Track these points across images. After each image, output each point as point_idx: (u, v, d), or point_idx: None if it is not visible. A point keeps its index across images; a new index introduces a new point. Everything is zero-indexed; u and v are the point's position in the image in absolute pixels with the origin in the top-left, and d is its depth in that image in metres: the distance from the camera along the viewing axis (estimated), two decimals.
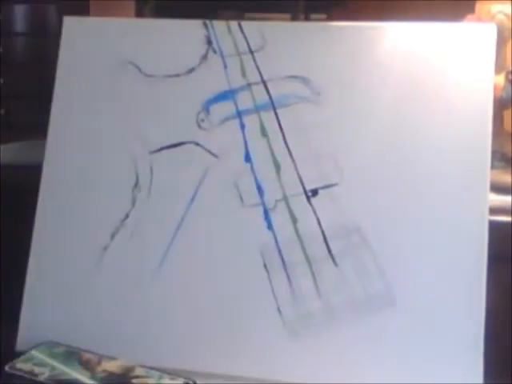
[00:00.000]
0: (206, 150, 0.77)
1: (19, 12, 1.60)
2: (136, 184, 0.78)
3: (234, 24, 0.80)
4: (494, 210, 0.73)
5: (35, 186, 0.80)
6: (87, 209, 0.79)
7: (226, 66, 0.78)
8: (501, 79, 1.28)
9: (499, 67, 1.12)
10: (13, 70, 1.59)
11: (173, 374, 0.69)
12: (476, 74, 0.74)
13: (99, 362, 0.70)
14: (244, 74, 0.78)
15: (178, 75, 0.79)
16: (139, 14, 1.65)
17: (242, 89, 0.78)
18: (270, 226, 0.74)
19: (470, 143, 0.72)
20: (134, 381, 0.67)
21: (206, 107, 0.78)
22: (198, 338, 0.73)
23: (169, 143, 0.78)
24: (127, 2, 1.63)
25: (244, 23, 0.80)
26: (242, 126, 0.77)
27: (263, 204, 0.75)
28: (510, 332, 1.01)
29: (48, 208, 0.80)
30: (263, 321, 0.72)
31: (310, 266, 0.73)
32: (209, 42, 0.80)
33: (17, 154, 1.15)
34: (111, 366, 0.69)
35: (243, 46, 0.79)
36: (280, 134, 0.76)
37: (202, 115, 0.78)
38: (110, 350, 0.71)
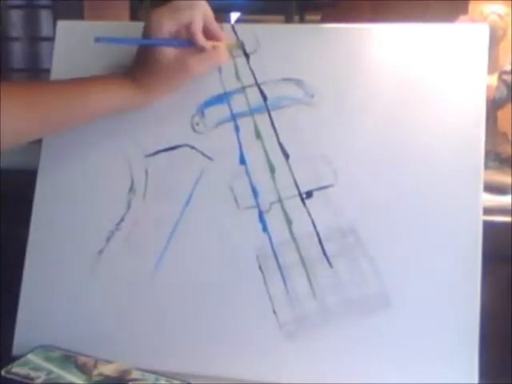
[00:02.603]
0: (200, 152, 0.77)
1: (15, 17, 1.60)
2: (131, 187, 0.78)
3: (227, 26, 0.80)
4: (487, 210, 0.73)
5: (33, 190, 0.80)
6: (82, 212, 0.79)
7: (219, 69, 0.78)
8: (494, 80, 1.29)
9: (492, 68, 1.12)
10: (9, 73, 1.60)
11: (169, 376, 0.69)
12: (469, 74, 0.74)
13: (95, 366, 0.70)
14: (238, 77, 0.78)
15: None
16: (134, 13, 1.65)
17: (236, 92, 0.78)
18: (264, 229, 0.74)
19: (464, 144, 0.73)
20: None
21: (201, 110, 0.78)
22: (194, 341, 0.73)
23: (164, 146, 0.78)
24: (122, 2, 1.63)
25: (237, 25, 0.80)
26: (237, 129, 0.77)
27: (258, 206, 0.75)
28: (509, 332, 1.02)
29: (43, 211, 0.80)
30: (259, 323, 0.72)
31: (305, 267, 0.73)
32: None
33: (16, 157, 1.15)
34: (107, 370, 0.69)
35: (236, 49, 0.79)
36: (274, 136, 0.76)
37: (196, 118, 0.78)
38: (106, 354, 0.72)
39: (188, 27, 0.72)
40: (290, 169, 0.75)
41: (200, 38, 0.73)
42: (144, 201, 0.78)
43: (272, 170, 0.76)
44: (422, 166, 0.73)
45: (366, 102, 0.75)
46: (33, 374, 0.68)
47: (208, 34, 0.74)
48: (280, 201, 0.75)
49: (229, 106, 0.78)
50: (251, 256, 0.74)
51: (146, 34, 0.73)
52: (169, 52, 0.72)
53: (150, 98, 0.76)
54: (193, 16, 0.72)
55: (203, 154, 0.77)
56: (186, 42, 0.73)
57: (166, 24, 0.72)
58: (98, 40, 0.72)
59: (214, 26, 0.75)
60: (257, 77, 0.78)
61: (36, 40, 1.64)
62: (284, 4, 1.62)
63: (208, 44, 0.74)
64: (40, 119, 0.72)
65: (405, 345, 0.70)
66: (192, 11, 0.72)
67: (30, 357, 0.71)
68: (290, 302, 0.72)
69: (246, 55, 0.79)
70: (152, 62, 0.73)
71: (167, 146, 0.78)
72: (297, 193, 0.75)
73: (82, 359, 0.71)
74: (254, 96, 0.78)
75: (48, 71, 0.82)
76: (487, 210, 0.72)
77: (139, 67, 0.75)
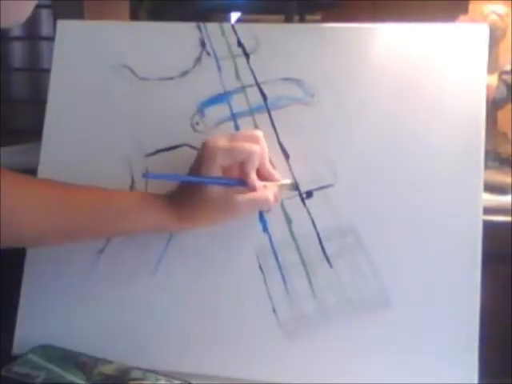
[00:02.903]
0: None
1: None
2: (131, 187, 0.78)
3: (227, 26, 0.80)
4: (487, 210, 0.73)
5: None
6: None
7: (219, 69, 0.79)
8: (494, 80, 1.29)
9: (492, 67, 1.12)
10: (11, 73, 1.60)
11: (169, 376, 0.69)
12: (469, 74, 0.74)
13: (95, 365, 0.70)
14: (238, 77, 0.78)
15: (172, 78, 0.79)
16: (134, 14, 1.65)
17: (236, 91, 0.78)
18: (265, 228, 0.74)
19: (464, 143, 0.73)
20: (131, 383, 0.67)
21: (201, 110, 0.78)
22: (194, 340, 0.73)
23: (164, 146, 0.78)
24: (122, 2, 1.63)
25: (237, 25, 0.80)
26: (237, 129, 0.77)
27: None
28: (509, 332, 1.02)
29: None
30: (258, 322, 0.72)
31: (305, 267, 0.73)
32: (202, 45, 0.80)
33: (17, 156, 1.15)
34: (107, 369, 0.69)
35: (237, 49, 0.79)
36: (274, 136, 0.76)
37: (196, 118, 0.78)
38: (106, 353, 0.71)
39: (242, 164, 0.69)
40: (289, 169, 0.75)
41: (252, 179, 0.69)
42: None
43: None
44: (421, 166, 0.73)
45: (366, 102, 0.75)
46: (33, 373, 0.68)
47: (260, 174, 0.71)
48: (280, 200, 0.75)
49: (229, 105, 0.78)
50: (251, 256, 0.74)
51: (197, 168, 0.70)
52: (215, 189, 0.69)
53: (186, 228, 0.73)
54: (250, 156, 0.69)
55: None
56: (237, 182, 0.70)
57: (220, 160, 0.69)
58: (144, 176, 0.72)
59: (267, 166, 0.72)
60: (257, 76, 0.78)
61: (36, 39, 1.64)
62: (284, 4, 1.62)
63: (259, 184, 0.70)
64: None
65: (404, 345, 0.70)
66: (250, 152, 0.69)
67: (30, 356, 0.71)
68: (289, 302, 0.72)
69: (246, 55, 0.79)
70: (198, 195, 0.69)
71: (167, 145, 0.78)
72: (297, 192, 0.75)
73: (82, 359, 0.71)
74: (253, 96, 0.78)
75: (48, 71, 0.82)
76: (487, 210, 0.72)
77: (182, 196, 0.71)
